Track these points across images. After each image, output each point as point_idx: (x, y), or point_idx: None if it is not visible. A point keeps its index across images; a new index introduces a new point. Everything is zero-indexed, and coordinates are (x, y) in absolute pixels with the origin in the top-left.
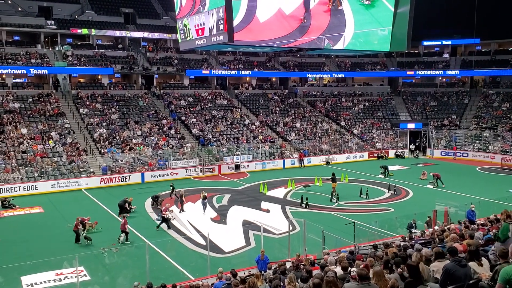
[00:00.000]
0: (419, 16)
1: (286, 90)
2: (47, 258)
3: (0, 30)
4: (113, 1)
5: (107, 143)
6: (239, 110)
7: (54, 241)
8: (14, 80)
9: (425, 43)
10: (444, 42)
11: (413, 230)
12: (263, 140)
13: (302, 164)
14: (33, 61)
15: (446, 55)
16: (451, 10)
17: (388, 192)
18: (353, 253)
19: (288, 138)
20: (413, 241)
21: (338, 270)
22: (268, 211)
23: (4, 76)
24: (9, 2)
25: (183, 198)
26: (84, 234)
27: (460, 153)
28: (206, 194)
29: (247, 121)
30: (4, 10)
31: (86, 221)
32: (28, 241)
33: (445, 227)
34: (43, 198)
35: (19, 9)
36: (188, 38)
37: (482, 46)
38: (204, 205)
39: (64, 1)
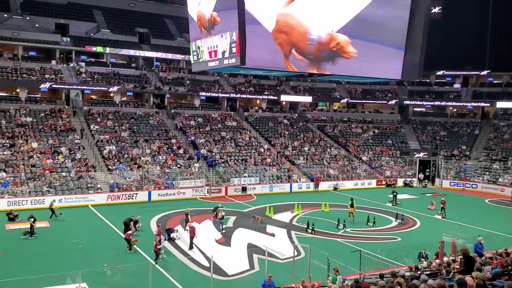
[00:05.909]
0: (432, 46)
1: (296, 114)
2: (50, 274)
3: (17, 45)
4: (129, 21)
5: (116, 160)
6: (248, 132)
7: (58, 257)
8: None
9: (437, 73)
10: (456, 73)
11: (423, 260)
12: (271, 164)
13: (317, 189)
14: (47, 76)
15: (457, 86)
16: (464, 41)
17: (396, 220)
18: (358, 281)
19: (296, 162)
20: (419, 272)
21: None
22: (273, 235)
23: (18, 90)
24: (28, 18)
25: (188, 216)
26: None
27: (469, 184)
28: (223, 213)
29: (255, 143)
30: (23, 26)
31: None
32: (32, 255)
33: (451, 259)
34: (50, 212)
35: (37, 25)
36: (200, 60)
37: (494, 78)
38: (221, 224)
39: (81, 19)
